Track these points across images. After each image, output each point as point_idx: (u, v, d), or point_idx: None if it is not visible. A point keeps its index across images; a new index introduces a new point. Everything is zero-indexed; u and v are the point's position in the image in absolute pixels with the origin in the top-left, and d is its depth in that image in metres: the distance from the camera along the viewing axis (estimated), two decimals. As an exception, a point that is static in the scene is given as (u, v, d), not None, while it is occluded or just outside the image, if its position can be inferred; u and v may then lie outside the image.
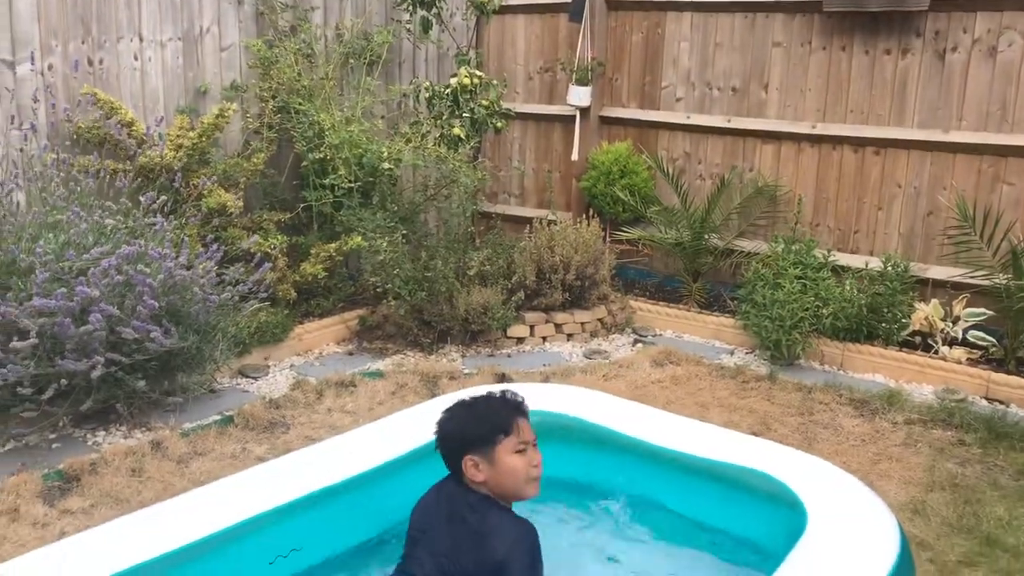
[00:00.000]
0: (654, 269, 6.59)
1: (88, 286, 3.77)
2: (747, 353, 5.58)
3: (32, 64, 4.66)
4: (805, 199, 5.97)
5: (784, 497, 3.01)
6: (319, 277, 5.52)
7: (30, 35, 4.68)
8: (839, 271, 5.63)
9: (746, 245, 6.10)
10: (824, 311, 5.29)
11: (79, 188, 4.36)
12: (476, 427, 2.55)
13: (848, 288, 5.39)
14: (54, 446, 4.09)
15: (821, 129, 5.86)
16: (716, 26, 6.21)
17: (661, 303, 6.16)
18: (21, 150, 4.58)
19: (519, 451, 2.54)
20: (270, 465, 3.22)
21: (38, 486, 3.71)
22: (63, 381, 3.82)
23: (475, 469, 2.53)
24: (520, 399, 2.65)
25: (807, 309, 5.28)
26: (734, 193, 6.14)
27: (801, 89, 5.93)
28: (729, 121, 6.21)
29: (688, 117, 6.38)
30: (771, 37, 6.00)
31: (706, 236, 6.10)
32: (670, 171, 6.34)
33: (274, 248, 5.24)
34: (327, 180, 5.55)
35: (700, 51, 6.29)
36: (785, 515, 2.93)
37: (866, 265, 5.59)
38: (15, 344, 3.66)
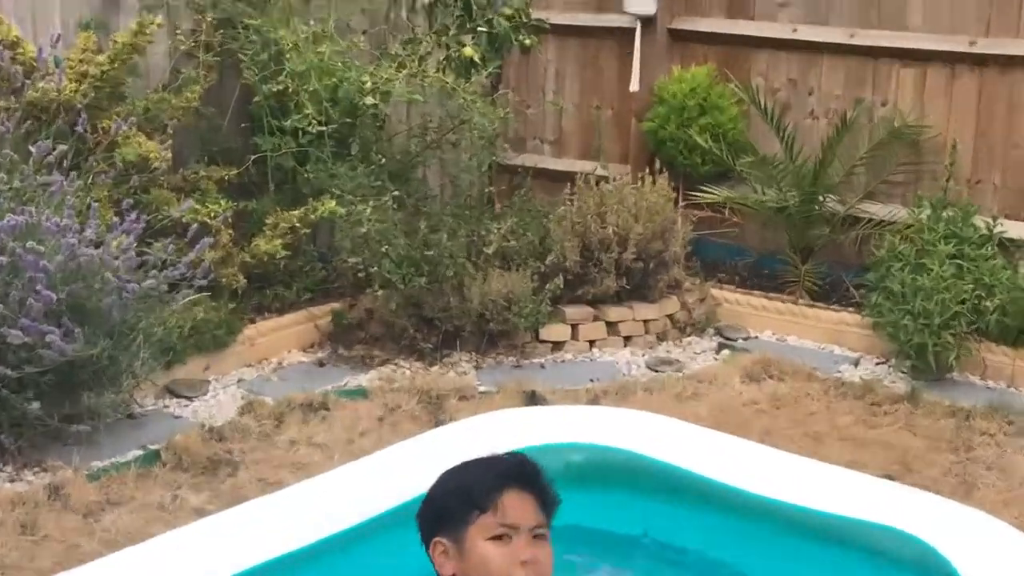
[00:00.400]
0: (746, 244, 6.61)
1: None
2: (878, 363, 5.60)
3: None
4: (961, 146, 5.94)
5: (932, 565, 3.02)
6: (278, 257, 5.56)
7: None
8: (1009, 247, 5.61)
9: (877, 211, 6.11)
10: (988, 304, 5.28)
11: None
12: (449, 498, 2.46)
13: (1023, 272, 5.36)
14: (-88, 493, 4.15)
15: (985, 46, 5.83)
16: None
17: (756, 292, 6.21)
18: None
19: (496, 537, 2.39)
20: (214, 521, 3.26)
21: None
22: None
23: (443, 557, 2.44)
24: (526, 465, 2.49)
25: (964, 301, 5.27)
26: (860, 138, 6.15)
27: (957, -9, 5.92)
28: (853, 36, 6.21)
29: (795, 30, 6.39)
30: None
31: (820, 198, 6.12)
32: (770, 107, 6.34)
33: (216, 217, 5.27)
34: (288, 122, 5.60)
35: (815, -65, 6.32)
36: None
37: (1049, 238, 5.59)
38: None
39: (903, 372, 5.41)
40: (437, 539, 2.42)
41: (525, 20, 6.12)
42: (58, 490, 4.13)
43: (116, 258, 4.37)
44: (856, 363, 5.61)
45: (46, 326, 4.07)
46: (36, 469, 4.33)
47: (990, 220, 5.62)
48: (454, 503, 2.42)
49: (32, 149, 4.47)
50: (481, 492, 2.39)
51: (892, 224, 5.91)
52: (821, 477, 3.48)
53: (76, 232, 4.22)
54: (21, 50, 4.97)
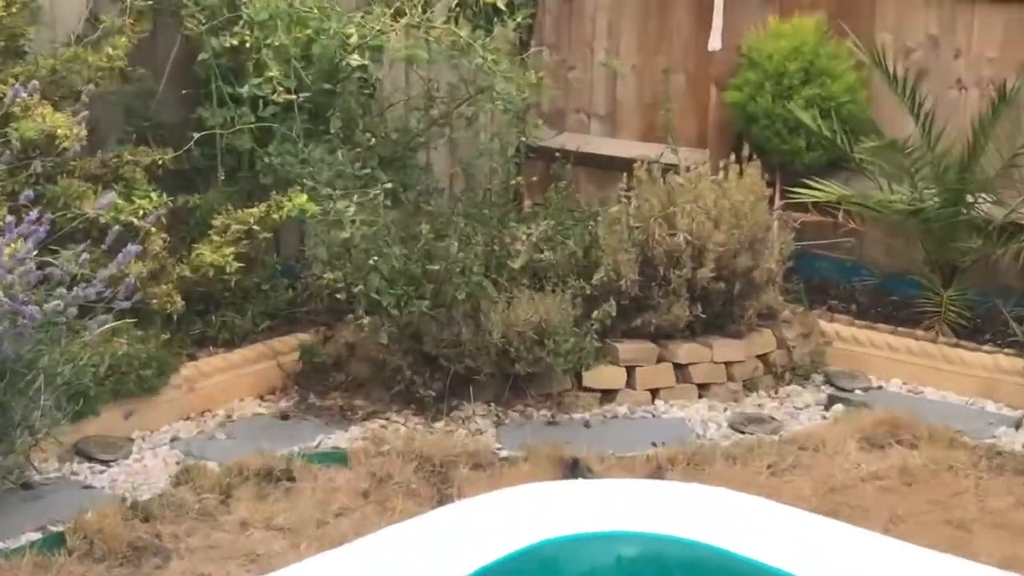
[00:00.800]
0: (867, 259, 6.68)
1: None
2: (1049, 426, 5.65)
3: None
4: None
5: None
6: (228, 272, 5.62)
7: None
8: None
9: (1047, 216, 6.15)
10: None
11: None
12: None
13: None
14: None
15: None
16: None
17: (880, 325, 6.27)
18: None
19: None
20: None
21: None
22: None
23: None
24: None
25: None
26: (1024, 117, 6.20)
27: None
28: (1017, -20, 6.28)
29: None
30: None
31: (970, 197, 6.18)
32: (901, 72, 6.39)
33: (145, 216, 5.32)
34: (245, 88, 5.70)
35: None
36: None
37: None
38: None
39: (1083, 438, 5.45)
40: None
41: None
42: (-73, 586, 4.25)
43: (10, 271, 4.43)
44: (1018, 425, 5.64)
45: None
46: (-102, 556, 4.44)
47: None
48: None
49: None
50: None
51: (1068, 235, 5.96)
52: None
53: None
54: None
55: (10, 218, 4.67)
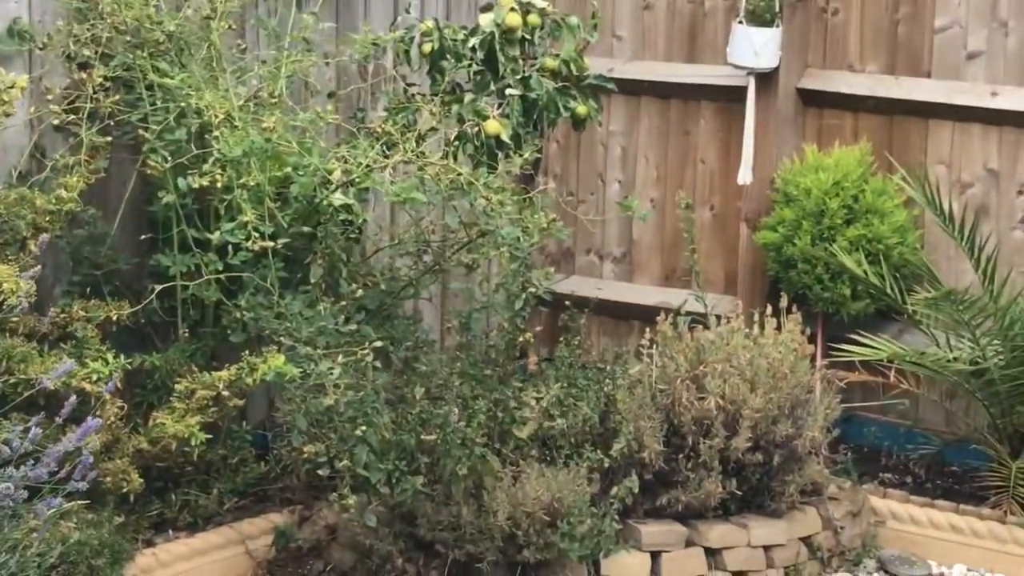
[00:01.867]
0: (924, 425, 6.71)
1: None
2: None
3: None
4: None
5: None
6: (193, 443, 5.62)
7: None
8: None
9: None
10: None
11: None
12: None
13: None
14: None
15: None
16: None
17: (940, 502, 6.27)
18: None
19: None
20: None
21: None
22: None
23: None
24: None
25: None
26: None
27: None
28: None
29: (995, 93, 6.57)
30: None
31: None
32: (958, 210, 6.45)
33: (102, 382, 5.35)
34: (216, 234, 5.73)
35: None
36: None
37: None
38: None
39: None
40: None
41: (579, 74, 6.33)
42: None
43: None
44: None
45: None
46: None
47: None
48: None
49: None
50: None
51: None
52: None
53: None
54: None
55: (-51, 387, 4.74)
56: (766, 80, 6.82)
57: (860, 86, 6.87)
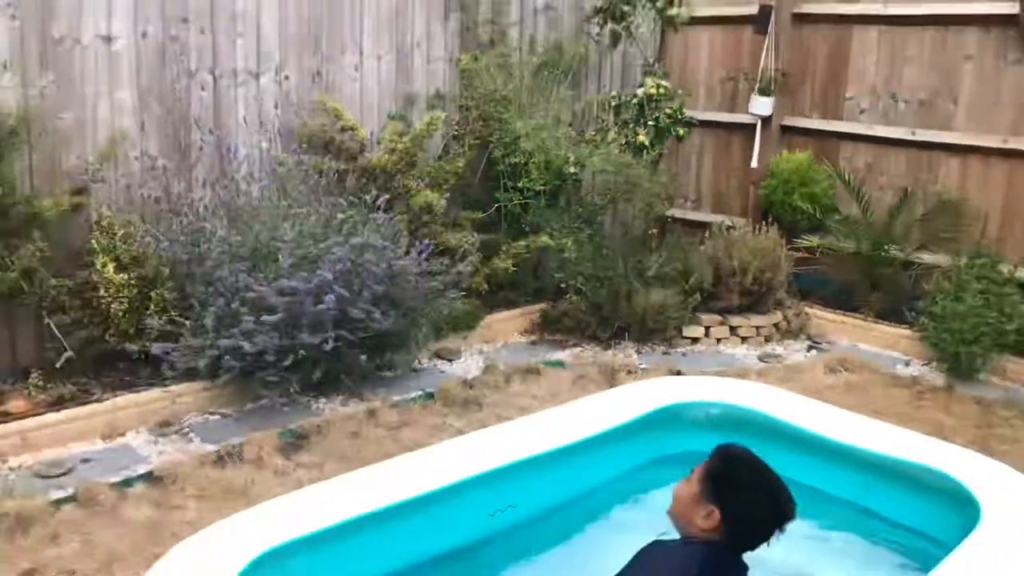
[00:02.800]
0: (831, 277, 6.66)
1: (325, 271, 4.40)
2: (923, 365, 5.64)
3: (275, 75, 5.39)
4: (991, 213, 5.96)
5: (958, 494, 3.21)
6: (508, 272, 5.99)
7: (271, 50, 5.41)
8: (1025, 287, 5.61)
9: (927, 258, 6.14)
10: (1008, 327, 5.31)
11: (312, 185, 5.02)
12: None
13: (1036, 303, 5.38)
14: (285, 409, 4.72)
15: (1013, 143, 5.87)
16: (905, 41, 6.30)
17: (837, 311, 6.26)
18: (266, 150, 5.31)
19: None
20: (471, 437, 3.67)
21: (275, 442, 4.35)
22: (301, 352, 4.47)
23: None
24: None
25: (990, 324, 5.31)
26: (916, 206, 6.20)
27: (993, 103, 5.95)
28: (914, 134, 6.28)
29: (871, 128, 6.49)
30: (962, 51, 6.06)
31: (886, 247, 6.18)
32: (851, 181, 6.45)
33: (471, 244, 5.70)
34: (520, 183, 6.00)
35: (887, 64, 6.40)
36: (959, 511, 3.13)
37: (1056, 282, 5.57)
38: (265, 318, 4.34)
39: (942, 372, 5.47)
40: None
41: (680, 117, 6.34)
42: (373, 413, 4.66)
43: (413, 267, 4.90)
44: (908, 364, 5.67)
45: (372, 307, 4.64)
46: (358, 399, 4.86)
47: (1012, 267, 5.66)
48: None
49: (366, 197, 5.06)
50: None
51: (938, 267, 5.96)
52: (879, 431, 3.66)
53: (392, 249, 4.78)
54: (356, 133, 5.58)
55: (414, 243, 5.11)
56: (766, 121, 6.80)
57: (809, 124, 6.81)
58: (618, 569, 2.40)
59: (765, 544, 2.36)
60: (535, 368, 5.36)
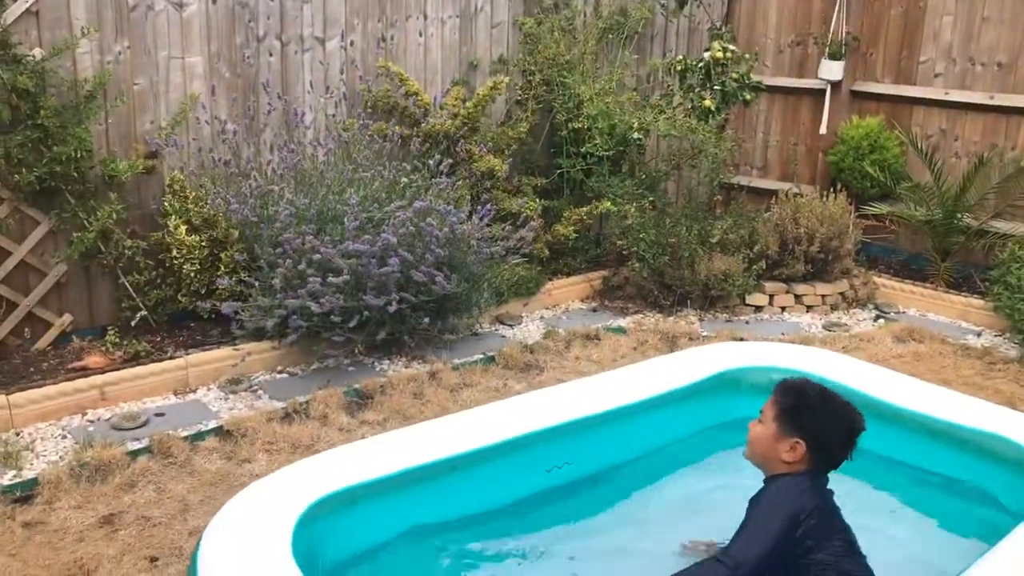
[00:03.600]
0: (900, 246, 6.58)
1: (389, 234, 4.46)
2: (996, 335, 5.53)
3: (341, 40, 5.45)
4: (1072, 180, 5.79)
5: None
6: (569, 238, 5.98)
7: (338, 15, 5.46)
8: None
9: (1002, 226, 6.00)
10: (1086, 297, 5.17)
11: (376, 150, 5.08)
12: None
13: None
14: (349, 369, 4.83)
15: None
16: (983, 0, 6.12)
17: (906, 281, 6.17)
18: (332, 116, 5.38)
19: None
20: (532, 396, 3.72)
21: (340, 400, 4.45)
22: (365, 313, 4.55)
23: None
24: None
25: (1066, 294, 5.18)
26: (992, 172, 6.04)
27: (1077, 64, 5.76)
28: (992, 98, 6.11)
29: (947, 93, 6.33)
30: (1046, 9, 5.86)
31: (959, 215, 6.04)
32: (923, 147, 6.31)
33: (533, 210, 5.72)
34: (583, 148, 5.98)
35: (964, 25, 6.21)
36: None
37: None
38: (331, 280, 4.43)
39: (1016, 343, 5.37)
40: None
41: (747, 82, 6.26)
42: (434, 374, 4.73)
43: (475, 233, 4.93)
44: (979, 334, 5.57)
45: (435, 271, 4.69)
46: (420, 361, 4.94)
47: (1092, 236, 5.52)
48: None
49: (430, 162, 5.11)
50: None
51: (1012, 236, 5.84)
52: (949, 400, 3.60)
53: (454, 214, 4.81)
54: (420, 98, 5.62)
55: (476, 207, 5.16)
56: (836, 86, 6.68)
57: (880, 88, 6.67)
58: (683, 524, 2.47)
59: (848, 459, 2.54)
60: (595, 334, 5.38)
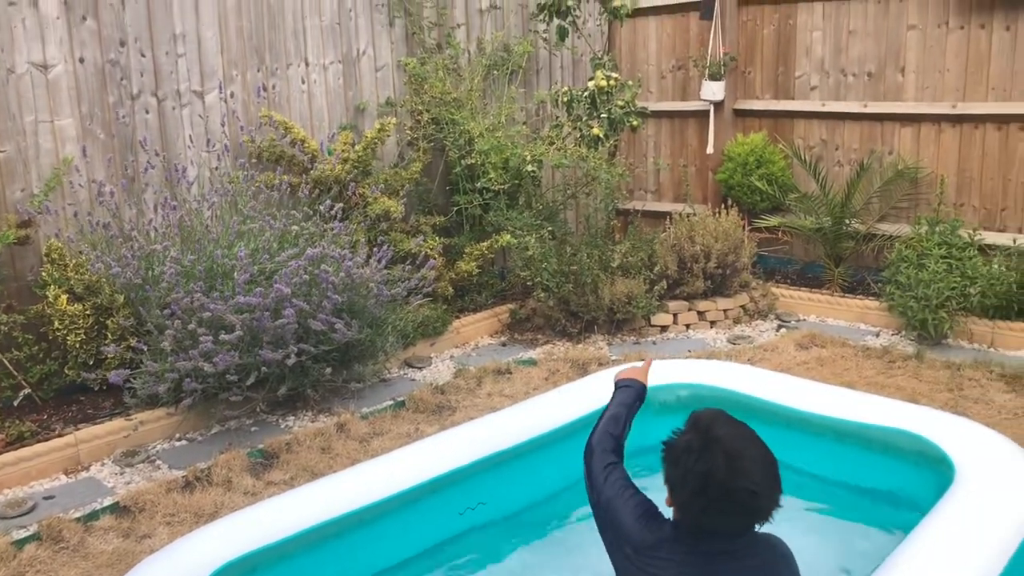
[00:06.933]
0: (794, 256, 6.68)
1: (281, 285, 4.28)
2: (893, 334, 5.62)
3: (220, 92, 5.27)
4: (947, 180, 5.95)
5: (932, 456, 3.17)
6: (473, 274, 5.90)
7: (215, 67, 5.29)
8: (986, 250, 5.61)
9: (888, 228, 6.13)
10: (971, 290, 5.30)
11: (264, 200, 4.90)
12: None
13: (996, 266, 5.38)
14: (252, 429, 4.62)
15: (962, 108, 5.86)
16: (848, 13, 6.29)
17: (803, 289, 6.25)
18: (216, 169, 5.18)
19: None
20: (446, 434, 3.57)
21: (244, 462, 4.22)
22: (263, 369, 4.35)
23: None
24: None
25: (953, 288, 5.30)
26: (874, 177, 6.18)
27: (939, 70, 5.94)
28: (866, 106, 6.27)
29: (823, 104, 6.47)
30: (905, 20, 6.05)
31: (847, 221, 6.16)
32: (807, 159, 6.43)
33: (433, 249, 5.62)
34: (478, 184, 5.91)
35: (833, 39, 6.39)
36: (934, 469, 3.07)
37: (1014, 242, 5.57)
38: (223, 337, 4.21)
39: (911, 340, 5.46)
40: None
41: (633, 108, 6.28)
42: (342, 426, 4.54)
43: (374, 276, 4.79)
44: (877, 335, 5.65)
45: (333, 318, 4.52)
46: (327, 413, 4.76)
47: (971, 231, 5.65)
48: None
49: (320, 208, 4.95)
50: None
51: (899, 237, 5.95)
52: (851, 399, 3.61)
53: (350, 259, 4.66)
54: (307, 144, 5.48)
55: (372, 250, 5.02)
56: (719, 106, 6.76)
57: (761, 105, 6.78)
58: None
59: (719, 522, 2.07)
60: (507, 368, 5.29)
